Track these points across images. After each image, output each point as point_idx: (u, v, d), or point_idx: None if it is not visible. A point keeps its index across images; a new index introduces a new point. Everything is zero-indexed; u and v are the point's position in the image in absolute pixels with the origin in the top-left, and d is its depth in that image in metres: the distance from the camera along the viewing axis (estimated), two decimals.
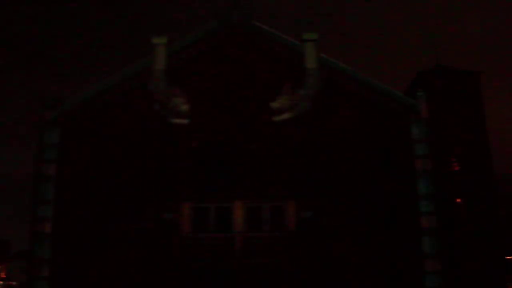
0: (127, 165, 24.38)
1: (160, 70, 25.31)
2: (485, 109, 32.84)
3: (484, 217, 30.26)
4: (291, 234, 24.00)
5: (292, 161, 24.70)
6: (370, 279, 23.08)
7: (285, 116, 24.85)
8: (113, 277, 23.25)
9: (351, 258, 23.32)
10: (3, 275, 62.17)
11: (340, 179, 24.22)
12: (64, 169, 24.22)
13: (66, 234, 23.46)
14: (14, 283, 56.68)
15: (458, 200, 29.57)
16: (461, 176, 30.19)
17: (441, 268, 23.21)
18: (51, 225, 23.59)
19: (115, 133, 24.76)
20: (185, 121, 25.12)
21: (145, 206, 23.97)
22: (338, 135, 24.79)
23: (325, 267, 23.20)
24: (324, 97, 25.07)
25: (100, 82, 25.55)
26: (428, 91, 25.68)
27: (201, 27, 26.29)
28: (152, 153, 24.60)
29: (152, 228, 23.78)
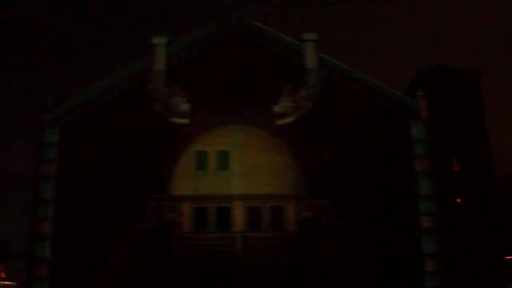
0: (127, 165, 24.38)
1: (160, 70, 25.27)
2: (485, 109, 32.84)
3: (484, 217, 30.25)
4: (291, 234, 24.02)
5: (292, 161, 24.73)
6: (370, 279, 23.08)
7: (288, 119, 24.83)
8: (113, 277, 23.25)
9: (351, 258, 23.32)
10: (3, 275, 62.06)
11: (340, 179, 24.23)
12: (64, 169, 24.20)
13: (66, 234, 23.44)
14: (10, 283, 56.72)
15: (458, 200, 29.58)
16: (461, 176, 30.19)
17: (441, 268, 23.20)
18: (51, 225, 23.58)
19: (115, 133, 24.76)
20: (185, 121, 25.12)
21: (145, 206, 23.98)
22: (337, 135, 24.79)
23: (325, 267, 23.20)
24: (324, 98, 25.07)
25: (100, 82, 25.54)
26: (428, 91, 25.62)
27: (201, 27, 26.27)
28: (152, 153, 24.60)
29: (152, 228, 23.79)
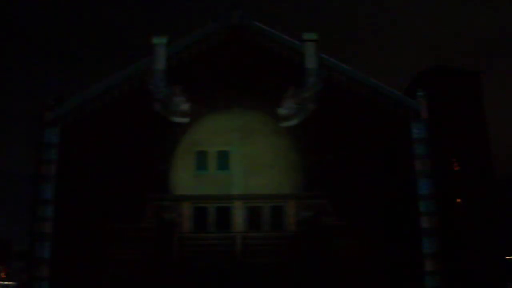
0: (127, 165, 24.37)
1: (160, 70, 25.33)
2: (485, 109, 32.80)
3: (484, 217, 30.21)
4: (291, 234, 24.02)
5: (292, 161, 24.72)
6: (370, 279, 23.08)
7: (293, 121, 24.86)
8: (113, 277, 23.25)
9: (351, 258, 23.31)
10: (3, 275, 62.04)
11: (340, 179, 24.22)
12: (64, 169, 24.21)
13: (66, 234, 23.45)
14: (10, 283, 56.71)
15: (458, 200, 29.55)
16: (461, 176, 30.16)
17: (441, 268, 23.22)
18: (51, 225, 23.59)
19: (115, 133, 24.75)
20: (185, 121, 25.14)
21: (145, 206, 23.99)
22: (337, 135, 24.79)
23: (325, 267, 23.20)
24: (323, 98, 25.08)
25: (100, 82, 25.57)
26: (428, 91, 25.63)
27: (201, 27, 26.31)
28: (152, 153, 24.60)
29: (152, 228, 23.79)
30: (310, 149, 24.68)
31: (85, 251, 23.35)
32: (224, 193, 24.48)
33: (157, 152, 24.63)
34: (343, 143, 24.69)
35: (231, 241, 23.90)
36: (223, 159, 24.96)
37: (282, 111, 25.02)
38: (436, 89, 30.10)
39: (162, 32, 26.54)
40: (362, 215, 23.84)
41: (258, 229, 24.25)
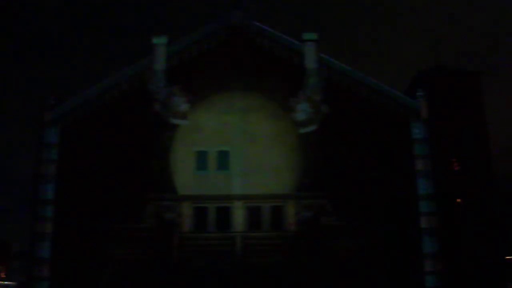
0: (127, 165, 24.37)
1: (160, 70, 25.33)
2: (485, 109, 32.81)
3: (484, 217, 30.21)
4: (291, 234, 24.02)
5: (292, 161, 24.72)
6: (370, 279, 23.07)
7: (311, 127, 24.78)
8: (113, 277, 23.25)
9: (351, 258, 23.31)
10: (3, 275, 62.06)
11: (340, 179, 24.22)
12: (64, 169, 24.21)
13: (66, 234, 23.45)
14: (10, 283, 56.76)
15: (458, 200, 29.50)
16: (461, 176, 30.12)
17: (441, 268, 23.21)
18: (51, 225, 23.59)
19: (115, 133, 24.75)
20: (185, 121, 25.14)
21: (145, 206, 23.99)
22: (337, 135, 24.77)
23: (325, 267, 23.20)
24: (323, 98, 25.05)
25: (100, 82, 25.57)
26: (428, 91, 25.62)
27: (201, 28, 26.30)
28: (152, 153, 24.60)
29: (152, 228, 23.80)
30: (310, 149, 24.67)
31: (85, 251, 23.33)
32: (224, 193, 24.49)
33: (157, 152, 24.64)
34: (343, 143, 24.67)
35: (231, 241, 23.90)
36: (223, 159, 24.96)
37: (299, 117, 24.91)
38: (436, 89, 30.06)
39: (162, 32, 26.46)
40: (362, 215, 23.84)
41: (258, 229, 24.25)
